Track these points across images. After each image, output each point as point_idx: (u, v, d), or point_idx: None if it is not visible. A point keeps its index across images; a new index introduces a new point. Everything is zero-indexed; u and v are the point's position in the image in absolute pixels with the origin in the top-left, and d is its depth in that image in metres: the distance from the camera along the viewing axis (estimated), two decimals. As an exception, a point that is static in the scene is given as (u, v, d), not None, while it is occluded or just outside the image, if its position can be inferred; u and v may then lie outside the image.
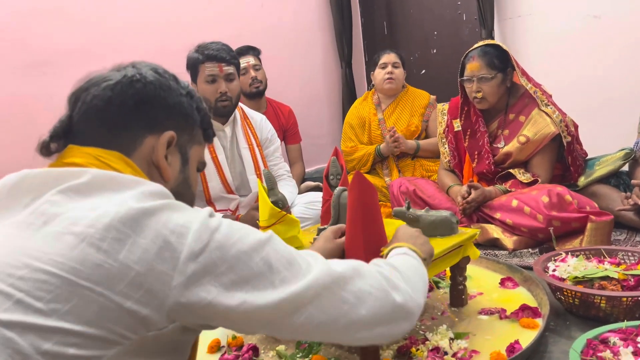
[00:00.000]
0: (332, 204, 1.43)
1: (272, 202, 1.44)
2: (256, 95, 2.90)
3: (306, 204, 2.25)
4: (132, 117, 0.78)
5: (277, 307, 0.68)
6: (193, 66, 2.08)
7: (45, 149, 0.78)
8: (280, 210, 1.45)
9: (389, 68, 2.86)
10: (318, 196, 2.26)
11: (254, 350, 1.36)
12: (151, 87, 0.80)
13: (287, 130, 3.06)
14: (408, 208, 1.47)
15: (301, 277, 0.71)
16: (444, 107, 2.46)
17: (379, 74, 2.91)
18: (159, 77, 0.81)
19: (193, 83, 2.11)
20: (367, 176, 2.58)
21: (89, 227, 0.63)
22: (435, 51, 3.67)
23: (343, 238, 1.23)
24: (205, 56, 2.04)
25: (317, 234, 1.49)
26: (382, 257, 1.03)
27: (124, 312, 0.62)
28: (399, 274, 0.82)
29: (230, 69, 2.09)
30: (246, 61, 2.83)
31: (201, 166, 0.91)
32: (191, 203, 0.85)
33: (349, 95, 3.90)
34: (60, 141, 0.78)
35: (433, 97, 2.94)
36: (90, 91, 0.78)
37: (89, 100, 0.77)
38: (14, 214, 0.68)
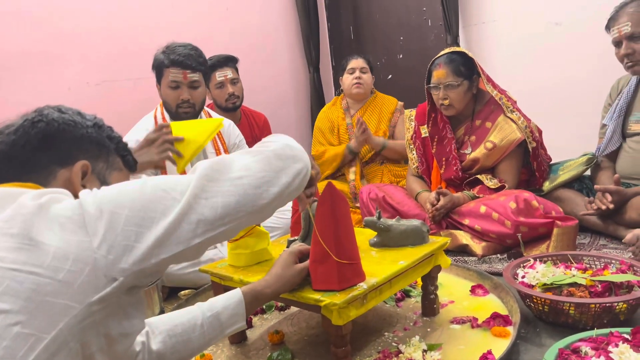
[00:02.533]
0: (302, 215, 1.40)
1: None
2: (232, 110, 2.78)
3: (275, 214, 2.21)
4: (39, 154, 0.82)
5: (190, 211, 0.73)
6: (158, 68, 2.05)
7: None
8: (248, 222, 1.40)
9: (357, 73, 2.86)
10: (287, 205, 2.23)
11: (223, 368, 1.32)
12: (54, 124, 0.84)
13: (261, 139, 2.99)
14: (379, 218, 1.45)
15: (191, 181, 0.76)
16: (411, 113, 2.47)
17: (347, 79, 2.90)
18: (61, 114, 0.86)
19: (157, 84, 2.08)
20: (335, 182, 2.57)
21: None
22: (401, 56, 3.69)
23: (304, 263, 1.20)
24: (170, 61, 2.00)
25: (287, 246, 1.46)
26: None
27: (59, 283, 0.65)
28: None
29: (195, 77, 2.03)
30: (224, 75, 2.69)
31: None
32: None
33: (317, 99, 3.89)
34: None
35: (401, 103, 2.95)
36: None
37: None
38: None
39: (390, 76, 3.77)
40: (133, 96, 2.85)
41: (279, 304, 1.65)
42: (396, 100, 2.96)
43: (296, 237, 1.46)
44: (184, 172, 1.76)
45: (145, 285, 0.77)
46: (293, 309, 1.64)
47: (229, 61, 2.74)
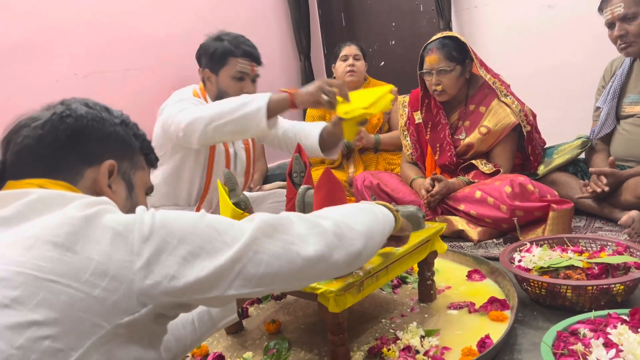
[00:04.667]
0: (296, 203, 1.39)
1: (234, 203, 1.38)
2: None
3: (271, 204, 2.19)
4: (67, 152, 0.79)
5: (237, 260, 0.71)
6: (222, 56, 1.93)
7: None
8: (242, 212, 1.39)
9: (350, 60, 2.83)
10: (283, 194, 2.21)
11: (220, 358, 1.31)
12: (83, 120, 0.81)
13: None
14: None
15: (246, 231, 0.74)
16: (404, 99, 2.45)
17: (340, 67, 2.87)
18: (89, 110, 0.83)
19: (211, 72, 1.96)
20: (334, 171, 2.55)
21: (41, 229, 0.66)
22: (393, 42, 3.66)
23: None
24: (241, 51, 1.92)
25: (282, 235, 1.44)
26: None
27: (93, 300, 0.63)
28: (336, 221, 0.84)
29: (258, 71, 2.00)
30: None
31: (149, 190, 0.93)
32: None
33: (309, 89, 3.86)
34: None
35: (395, 88, 2.92)
36: (21, 132, 0.79)
37: (21, 141, 0.78)
38: None
39: (383, 62, 3.74)
40: (123, 87, 2.81)
41: (275, 292, 1.64)
42: (389, 85, 2.93)
43: (291, 226, 1.44)
44: (343, 118, 1.68)
45: (174, 316, 0.76)
46: (289, 297, 1.63)
47: None
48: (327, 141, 1.97)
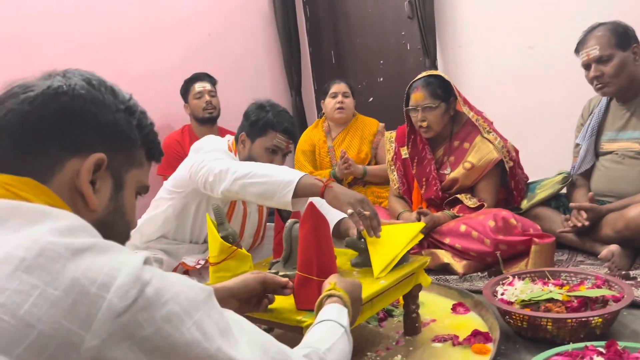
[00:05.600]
0: (284, 237, 1.42)
1: (222, 237, 1.41)
2: (208, 121, 2.94)
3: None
4: (51, 136, 0.67)
5: None
6: (262, 127, 1.93)
7: None
8: (230, 245, 1.42)
9: (340, 97, 2.91)
10: (270, 228, 2.24)
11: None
12: (80, 101, 0.69)
13: None
14: (359, 238, 1.48)
15: (234, 349, 0.64)
16: (391, 135, 2.52)
17: (329, 103, 2.95)
18: (91, 90, 0.71)
19: (247, 137, 1.97)
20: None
21: None
22: (381, 79, 3.77)
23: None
24: (282, 127, 1.93)
25: (269, 268, 1.47)
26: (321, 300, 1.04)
27: None
28: None
29: (292, 147, 2.02)
30: (202, 86, 2.91)
31: (142, 190, 0.80)
32: (125, 233, 0.78)
33: (299, 123, 3.93)
34: None
35: (382, 124, 3.01)
36: (6, 104, 0.67)
37: (3, 115, 0.66)
38: None
39: (371, 99, 3.84)
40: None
41: (262, 326, 1.65)
42: (377, 122, 3.02)
43: (278, 259, 1.47)
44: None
45: None
46: (277, 331, 1.64)
47: (207, 76, 2.99)
48: (341, 233, 1.88)
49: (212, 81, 3.03)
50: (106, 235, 0.63)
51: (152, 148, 0.80)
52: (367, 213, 1.46)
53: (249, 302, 1.12)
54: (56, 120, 0.67)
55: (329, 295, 1.04)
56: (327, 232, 1.22)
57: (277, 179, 1.60)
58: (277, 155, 1.96)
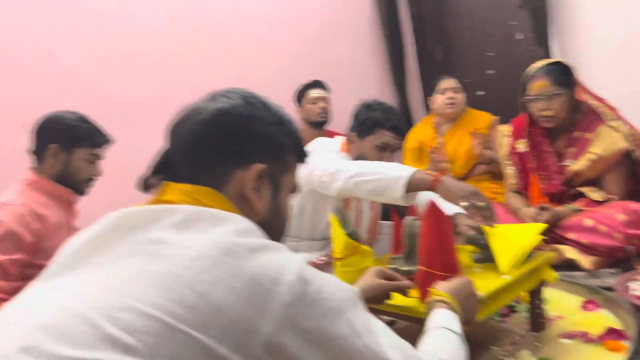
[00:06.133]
0: (403, 234, 1.47)
1: (347, 233, 1.50)
2: (320, 125, 3.08)
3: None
4: (222, 151, 0.78)
5: None
6: (371, 125, 2.00)
7: (145, 184, 0.81)
8: (354, 241, 1.50)
9: (450, 93, 2.90)
10: (388, 227, 2.29)
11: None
12: (241, 120, 0.79)
13: None
14: (480, 233, 1.49)
15: (378, 347, 0.71)
16: (505, 128, 2.46)
17: (438, 99, 2.94)
18: (249, 107, 0.81)
19: (357, 137, 2.03)
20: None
21: (187, 270, 0.63)
22: (491, 72, 3.67)
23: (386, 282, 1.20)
24: (390, 124, 1.99)
25: (390, 263, 1.53)
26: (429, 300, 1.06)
27: (217, 358, 0.60)
28: None
29: (401, 144, 2.08)
30: (318, 92, 3.09)
31: (294, 190, 0.90)
32: (282, 231, 0.88)
33: (405, 122, 3.94)
34: (158, 175, 0.81)
35: (495, 118, 2.94)
36: (185, 126, 0.80)
37: (183, 136, 0.80)
38: (115, 252, 0.68)
39: (481, 92, 3.74)
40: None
41: (388, 318, 1.71)
42: (490, 115, 2.95)
43: (399, 255, 1.53)
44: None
45: None
46: (401, 323, 1.69)
47: (322, 84, 3.16)
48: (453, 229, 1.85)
49: (325, 86, 3.19)
50: (267, 234, 0.73)
51: (300, 152, 0.89)
52: (481, 204, 1.46)
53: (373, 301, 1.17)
54: (224, 138, 0.79)
55: (434, 301, 1.04)
56: (449, 229, 1.26)
57: (389, 175, 1.65)
58: (386, 152, 2.00)
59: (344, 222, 1.54)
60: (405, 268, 1.43)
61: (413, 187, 1.62)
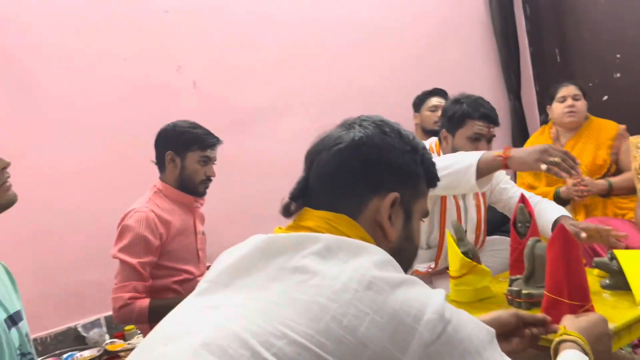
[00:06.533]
0: (525, 255, 1.42)
1: (462, 252, 1.48)
2: (434, 134, 3.03)
3: (490, 252, 2.19)
4: (358, 181, 0.81)
5: None
6: (460, 118, 1.97)
7: (287, 211, 0.85)
8: (471, 260, 1.47)
9: (569, 101, 2.71)
10: (502, 243, 2.21)
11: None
12: (377, 150, 0.82)
13: None
14: (611, 259, 1.39)
15: None
16: (637, 139, 2.26)
17: (557, 108, 2.77)
18: (384, 137, 0.83)
19: (448, 132, 2.02)
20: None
21: (332, 302, 0.65)
22: (618, 75, 3.38)
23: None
24: (479, 113, 1.96)
25: (509, 284, 1.48)
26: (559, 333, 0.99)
27: None
28: None
29: (494, 131, 2.04)
30: (439, 101, 3.01)
31: (424, 215, 0.91)
32: (413, 257, 0.89)
33: (520, 128, 3.78)
34: (298, 201, 0.84)
35: (622, 126, 2.70)
36: (323, 155, 0.83)
37: (322, 165, 0.83)
38: (262, 275, 0.72)
39: (605, 97, 3.47)
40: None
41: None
42: (616, 124, 2.72)
43: (519, 276, 1.47)
44: None
45: None
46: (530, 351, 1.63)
47: (444, 93, 3.07)
48: None
49: (447, 98, 3.12)
50: (398, 260, 0.75)
51: (432, 178, 0.89)
52: (557, 159, 1.48)
53: (504, 337, 1.09)
54: (361, 168, 0.81)
55: (562, 341, 0.98)
56: (578, 253, 1.19)
57: (459, 166, 1.66)
58: (480, 142, 1.95)
59: (460, 239, 1.52)
60: (526, 291, 1.38)
61: (484, 170, 1.63)
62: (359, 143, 0.82)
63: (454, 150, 1.97)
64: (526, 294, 1.37)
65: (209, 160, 1.97)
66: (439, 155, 2.06)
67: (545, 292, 1.20)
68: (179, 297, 1.78)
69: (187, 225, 1.98)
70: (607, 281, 1.40)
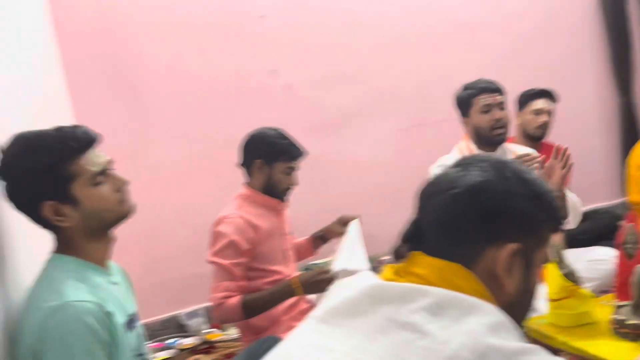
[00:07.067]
0: (633, 283, 1.33)
1: (564, 274, 1.41)
2: (536, 139, 2.85)
3: (590, 262, 2.08)
4: (475, 229, 0.75)
5: None
6: (466, 101, 2.19)
7: (398, 254, 0.81)
8: (572, 283, 1.41)
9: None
10: (605, 254, 2.08)
11: None
12: (496, 197, 0.76)
13: None
14: None
15: None
16: None
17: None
18: (504, 183, 0.76)
19: (463, 117, 2.22)
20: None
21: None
22: None
23: None
24: (478, 89, 2.18)
25: (615, 312, 1.39)
26: None
27: None
28: None
29: (502, 98, 2.19)
30: (544, 104, 2.84)
31: (546, 261, 0.88)
32: (529, 309, 0.83)
33: (630, 129, 3.49)
34: (409, 244, 0.81)
35: None
36: (437, 199, 0.78)
37: (436, 209, 0.78)
38: (369, 322, 0.71)
39: None
40: (437, 138, 3.06)
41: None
42: None
43: (627, 303, 1.38)
44: None
45: None
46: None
47: (551, 94, 2.87)
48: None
49: (555, 99, 2.90)
50: (514, 314, 0.71)
51: (556, 223, 0.82)
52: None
53: None
54: (478, 215, 0.75)
55: None
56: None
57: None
58: (492, 111, 2.12)
59: (560, 261, 1.46)
60: (633, 322, 1.30)
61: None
62: (477, 189, 0.76)
63: (475, 128, 2.16)
64: (633, 324, 1.29)
65: (293, 171, 2.03)
66: (468, 150, 2.20)
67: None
68: (270, 290, 1.88)
69: (275, 228, 2.04)
70: None
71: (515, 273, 0.76)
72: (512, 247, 0.74)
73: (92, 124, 1.21)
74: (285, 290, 1.84)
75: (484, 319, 0.67)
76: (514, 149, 2.29)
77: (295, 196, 2.12)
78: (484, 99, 2.14)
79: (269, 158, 1.98)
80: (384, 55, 3.09)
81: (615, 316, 1.36)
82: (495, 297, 0.73)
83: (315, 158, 2.30)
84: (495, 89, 2.17)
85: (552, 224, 0.80)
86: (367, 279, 0.80)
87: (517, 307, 0.76)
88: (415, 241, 0.79)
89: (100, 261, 1.20)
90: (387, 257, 2.07)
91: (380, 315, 0.71)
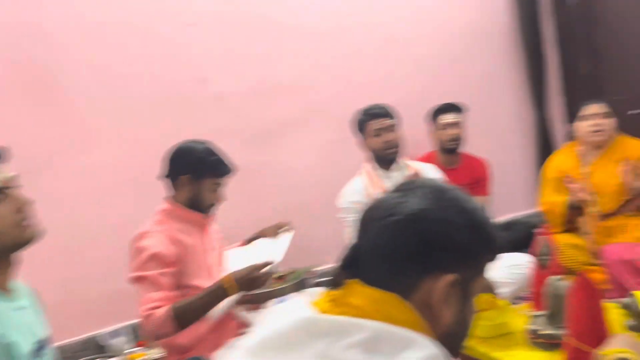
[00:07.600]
0: (547, 294, 1.40)
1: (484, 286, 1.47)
2: (450, 152, 3.00)
3: (507, 267, 2.17)
4: (411, 259, 0.73)
5: None
6: (361, 127, 2.49)
7: (336, 281, 0.78)
8: (490, 295, 1.46)
9: (596, 119, 2.66)
10: (521, 259, 2.18)
11: None
12: (435, 227, 0.73)
13: (478, 183, 3.05)
14: (632, 301, 1.37)
15: None
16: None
17: (582, 126, 2.71)
18: (442, 213, 0.74)
19: (362, 140, 2.49)
20: (568, 236, 2.39)
21: None
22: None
23: None
24: (369, 115, 2.45)
25: (531, 322, 1.46)
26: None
27: None
28: None
29: (392, 122, 2.46)
30: (450, 118, 2.99)
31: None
32: (464, 339, 0.80)
33: (544, 143, 3.72)
34: (348, 270, 0.78)
35: None
36: (375, 225, 0.76)
37: (373, 237, 0.76)
38: (302, 356, 0.69)
39: (635, 111, 3.38)
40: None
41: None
42: (644, 142, 2.66)
43: (540, 313, 1.46)
44: None
45: None
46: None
47: (457, 107, 3.03)
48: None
49: (462, 111, 3.07)
50: (449, 345, 0.71)
51: (495, 252, 0.79)
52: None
53: None
54: (415, 244, 0.73)
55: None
56: (600, 302, 1.18)
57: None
58: (383, 135, 2.41)
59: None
60: (547, 332, 1.37)
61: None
62: (415, 218, 0.73)
63: (372, 150, 2.44)
64: (547, 334, 1.36)
65: (220, 187, 1.98)
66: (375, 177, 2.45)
67: (569, 337, 1.19)
68: (200, 294, 1.78)
69: (199, 243, 1.98)
70: (632, 322, 1.38)
71: (452, 304, 0.74)
72: (449, 278, 0.72)
73: (4, 131, 1.11)
74: (217, 292, 1.75)
75: (418, 354, 0.66)
76: (411, 164, 2.53)
77: (225, 207, 2.07)
78: (375, 124, 2.42)
79: (197, 174, 1.91)
80: (316, 67, 3.10)
81: (531, 326, 1.43)
82: (432, 328, 0.72)
83: (246, 168, 2.26)
84: (385, 114, 2.45)
85: (490, 254, 0.78)
86: (302, 309, 0.77)
87: (453, 337, 0.75)
88: (354, 268, 0.77)
89: (0, 286, 1.11)
90: (318, 268, 2.06)
91: (314, 351, 0.69)
